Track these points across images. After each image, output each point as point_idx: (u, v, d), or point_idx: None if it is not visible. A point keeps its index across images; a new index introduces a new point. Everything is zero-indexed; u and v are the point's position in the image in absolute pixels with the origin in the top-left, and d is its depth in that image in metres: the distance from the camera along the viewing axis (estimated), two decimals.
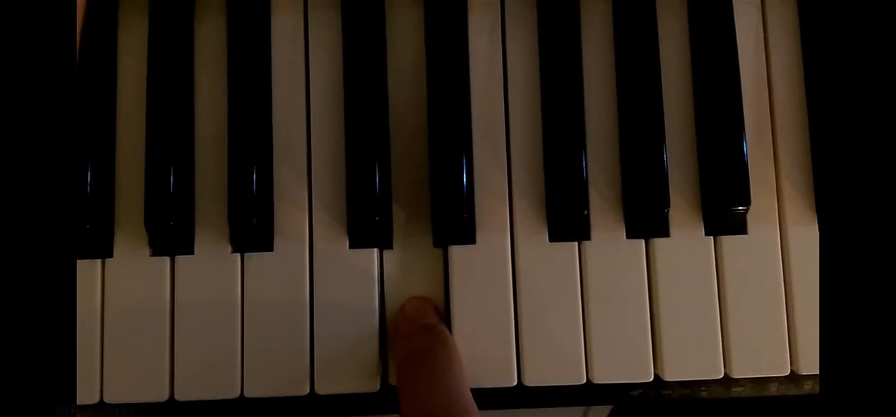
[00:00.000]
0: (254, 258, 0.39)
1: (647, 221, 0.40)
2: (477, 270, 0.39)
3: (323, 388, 0.39)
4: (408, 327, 0.38)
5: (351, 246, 0.40)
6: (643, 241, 0.40)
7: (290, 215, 0.40)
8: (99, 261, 0.39)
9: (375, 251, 0.40)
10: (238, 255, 0.39)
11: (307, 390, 0.39)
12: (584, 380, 0.39)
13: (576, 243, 0.40)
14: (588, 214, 0.40)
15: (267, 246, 0.40)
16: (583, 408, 0.41)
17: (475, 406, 0.34)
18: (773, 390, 0.40)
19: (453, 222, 0.39)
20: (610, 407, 0.41)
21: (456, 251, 0.39)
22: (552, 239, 0.40)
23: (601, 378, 0.39)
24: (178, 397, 0.39)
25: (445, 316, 0.39)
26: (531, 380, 0.39)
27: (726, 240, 0.39)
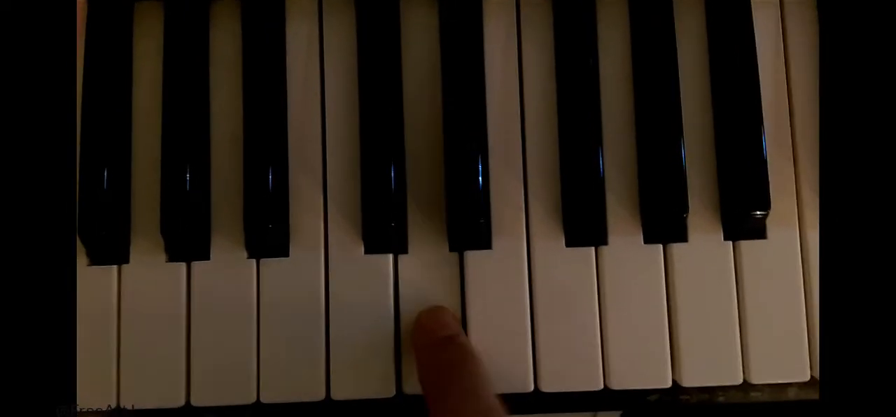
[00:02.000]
0: (269, 264, 0.39)
1: (665, 226, 0.39)
2: (493, 275, 0.39)
3: (338, 394, 0.39)
4: (426, 338, 0.38)
5: (366, 252, 0.40)
6: (661, 246, 0.39)
7: (306, 221, 0.40)
8: (115, 267, 0.40)
9: (391, 256, 0.40)
10: (254, 261, 0.39)
11: (323, 395, 0.39)
12: (602, 386, 0.39)
13: (593, 248, 0.39)
14: (605, 219, 0.39)
15: (283, 251, 0.39)
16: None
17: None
18: (792, 395, 0.40)
19: (469, 227, 0.39)
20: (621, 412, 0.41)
21: (472, 256, 0.39)
22: (569, 244, 0.39)
23: (619, 384, 0.39)
24: (194, 402, 0.39)
25: (461, 322, 0.39)
26: (548, 386, 0.39)
27: (745, 245, 0.39)
